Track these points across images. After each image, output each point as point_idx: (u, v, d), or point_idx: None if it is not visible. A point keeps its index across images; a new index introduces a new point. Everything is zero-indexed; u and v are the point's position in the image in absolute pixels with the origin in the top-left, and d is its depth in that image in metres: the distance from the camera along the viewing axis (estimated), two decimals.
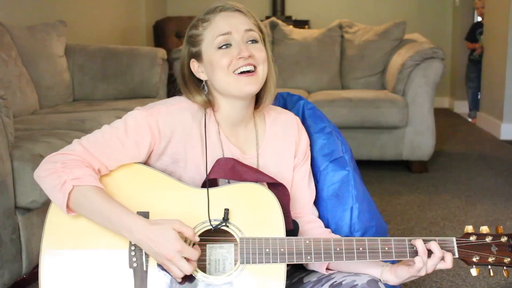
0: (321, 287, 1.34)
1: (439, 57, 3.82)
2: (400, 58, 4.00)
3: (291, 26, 5.03)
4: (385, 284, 1.33)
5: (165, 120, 1.34)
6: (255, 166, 1.40)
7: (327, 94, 4.08)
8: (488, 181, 3.70)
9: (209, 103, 1.38)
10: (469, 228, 1.33)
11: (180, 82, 1.41)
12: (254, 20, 1.36)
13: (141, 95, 3.84)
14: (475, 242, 1.31)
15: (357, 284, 1.28)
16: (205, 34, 1.34)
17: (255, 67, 1.32)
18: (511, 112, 5.07)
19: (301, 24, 6.65)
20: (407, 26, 4.40)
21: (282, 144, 1.45)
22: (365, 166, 3.91)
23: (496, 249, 1.30)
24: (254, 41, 1.34)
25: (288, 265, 1.50)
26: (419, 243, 1.27)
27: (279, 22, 4.80)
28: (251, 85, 1.32)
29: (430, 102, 3.83)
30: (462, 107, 6.75)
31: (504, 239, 1.31)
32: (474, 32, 6.07)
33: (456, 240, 1.30)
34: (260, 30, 1.37)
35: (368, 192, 1.57)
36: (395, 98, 3.85)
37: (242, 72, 1.31)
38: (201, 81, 1.39)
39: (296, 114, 1.63)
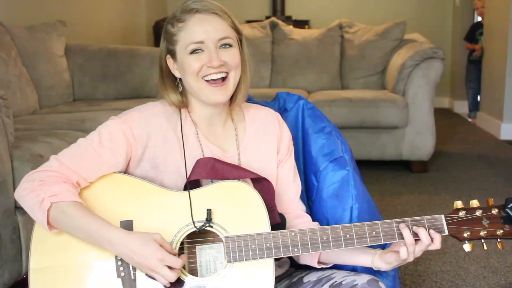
0: (321, 287, 1.34)
1: (439, 57, 3.82)
2: (400, 58, 4.01)
3: (291, 26, 5.03)
4: (385, 283, 1.33)
5: (139, 126, 1.34)
6: (237, 164, 1.39)
7: (327, 94, 4.08)
8: (488, 181, 3.70)
9: (183, 103, 1.38)
10: (458, 204, 1.31)
11: (158, 76, 1.41)
12: (230, 22, 1.34)
13: (141, 95, 3.83)
14: (464, 217, 1.28)
15: (357, 284, 1.28)
16: (180, 36, 1.33)
17: (227, 73, 1.33)
18: (511, 112, 5.07)
19: (301, 24, 6.65)
20: (407, 26, 4.40)
21: (263, 140, 1.44)
22: (365, 166, 3.91)
23: (488, 222, 1.28)
24: (228, 45, 1.33)
25: (286, 263, 1.50)
26: (406, 232, 1.26)
27: (279, 22, 4.80)
28: (220, 96, 1.33)
29: (430, 102, 3.83)
30: (462, 107, 6.75)
31: (495, 211, 1.28)
32: (474, 32, 6.07)
33: (445, 216, 1.29)
34: (237, 31, 1.36)
35: (368, 192, 1.58)
36: (395, 98, 3.85)
37: (212, 80, 1.32)
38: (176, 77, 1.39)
39: (296, 114, 1.63)
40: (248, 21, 6.36)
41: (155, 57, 3.94)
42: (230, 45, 1.33)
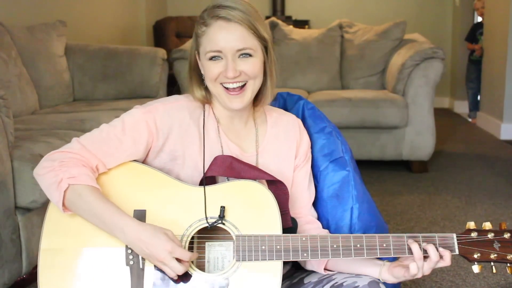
0: None
1: (439, 57, 3.82)
2: (400, 58, 4.00)
3: (291, 26, 5.03)
4: (385, 284, 1.33)
5: (163, 118, 1.35)
6: (254, 165, 1.40)
7: (327, 94, 4.08)
8: (488, 181, 3.70)
9: (206, 99, 1.40)
10: (471, 224, 1.31)
11: (187, 69, 1.42)
12: (253, 31, 1.31)
13: (141, 95, 3.84)
14: (476, 238, 1.28)
15: (358, 286, 1.28)
16: (202, 39, 1.33)
17: (245, 81, 1.33)
18: (511, 112, 5.07)
19: (301, 24, 6.64)
20: (407, 26, 4.40)
21: (283, 144, 1.45)
22: (365, 166, 3.91)
23: (499, 245, 1.28)
24: (248, 55, 1.31)
25: (287, 264, 1.50)
26: (415, 247, 1.26)
27: (279, 22, 4.80)
28: (237, 103, 1.33)
29: (430, 102, 3.83)
30: (462, 107, 6.75)
31: (507, 235, 1.28)
32: (474, 33, 6.07)
33: (457, 236, 1.29)
34: (262, 38, 1.33)
35: (368, 192, 1.57)
36: (395, 98, 3.85)
37: (230, 88, 1.32)
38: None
39: (296, 114, 1.63)
40: None
41: (155, 57, 3.95)
42: (250, 55, 1.31)
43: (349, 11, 6.89)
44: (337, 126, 1.64)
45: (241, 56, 1.31)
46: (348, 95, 3.95)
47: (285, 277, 1.46)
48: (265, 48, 1.35)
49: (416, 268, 1.25)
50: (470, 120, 6.26)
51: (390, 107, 3.78)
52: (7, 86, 2.95)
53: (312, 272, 1.43)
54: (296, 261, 1.51)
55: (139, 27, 6.12)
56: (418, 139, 3.84)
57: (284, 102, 1.68)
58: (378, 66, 4.40)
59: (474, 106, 6.17)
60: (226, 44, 1.29)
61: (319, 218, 1.53)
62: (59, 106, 3.47)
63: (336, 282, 1.32)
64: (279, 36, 4.70)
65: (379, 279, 1.32)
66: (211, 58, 1.31)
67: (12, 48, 3.16)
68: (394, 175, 3.89)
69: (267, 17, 5.93)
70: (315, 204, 1.55)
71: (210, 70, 1.32)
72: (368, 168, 3.94)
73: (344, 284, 1.30)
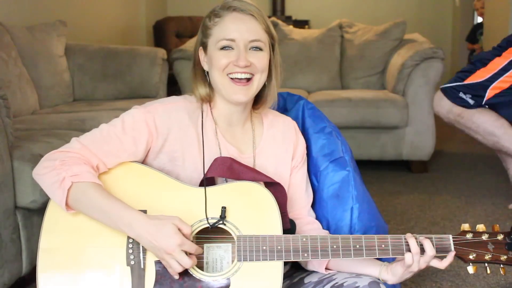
0: None
1: (439, 57, 3.82)
2: (400, 58, 4.00)
3: (291, 26, 5.03)
4: (385, 284, 1.33)
5: (162, 118, 1.35)
6: (251, 166, 1.40)
7: (327, 94, 4.08)
8: (488, 181, 3.70)
9: (209, 97, 1.40)
10: (466, 226, 1.34)
11: (191, 67, 1.43)
12: (265, 26, 1.36)
13: (141, 95, 3.84)
14: (471, 239, 1.32)
15: (358, 286, 1.28)
16: (214, 30, 1.35)
17: (252, 74, 1.34)
18: None
19: (301, 24, 6.65)
20: (407, 26, 4.40)
21: (280, 146, 1.46)
22: (365, 166, 3.91)
23: (493, 247, 1.32)
24: (258, 48, 1.34)
25: (287, 264, 1.50)
26: (412, 242, 1.28)
27: (279, 22, 4.80)
28: (241, 95, 1.34)
29: (430, 102, 3.83)
30: None
31: (500, 237, 1.32)
32: (475, 33, 6.07)
33: (453, 237, 1.31)
34: (271, 35, 1.38)
35: (368, 192, 1.58)
36: (395, 98, 3.85)
37: (237, 78, 1.33)
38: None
39: (296, 114, 1.63)
40: None
41: (155, 57, 3.96)
42: (260, 49, 1.35)
43: (349, 11, 6.89)
44: (337, 126, 1.64)
45: (251, 49, 1.34)
46: (348, 95, 3.95)
47: (285, 277, 1.46)
48: (272, 47, 1.39)
49: (411, 259, 1.27)
50: None
51: (390, 107, 3.78)
52: (7, 86, 2.95)
53: (313, 272, 1.43)
54: (296, 261, 1.52)
55: (139, 27, 6.12)
56: (418, 139, 3.84)
57: (284, 102, 1.68)
58: (378, 66, 4.39)
59: None
60: (240, 34, 1.32)
61: (319, 218, 1.53)
62: (59, 106, 3.47)
63: (337, 283, 1.33)
64: (279, 36, 4.63)
65: (379, 279, 1.32)
66: (223, 48, 1.33)
67: (12, 48, 3.16)
68: (394, 175, 3.89)
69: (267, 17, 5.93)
70: (315, 204, 1.55)
71: (220, 59, 1.33)
72: (368, 168, 3.94)
73: (345, 284, 1.31)
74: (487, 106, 2.84)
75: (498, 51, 2.83)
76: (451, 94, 2.88)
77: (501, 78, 2.78)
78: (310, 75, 4.55)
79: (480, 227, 1.34)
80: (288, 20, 6.44)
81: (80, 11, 4.78)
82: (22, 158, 2.01)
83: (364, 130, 3.88)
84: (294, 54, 4.58)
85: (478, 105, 2.83)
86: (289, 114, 1.66)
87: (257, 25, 1.35)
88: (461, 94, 2.83)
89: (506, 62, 2.75)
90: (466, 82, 2.83)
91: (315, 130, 1.59)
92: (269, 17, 5.68)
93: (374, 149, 3.90)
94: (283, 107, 1.68)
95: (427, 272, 2.33)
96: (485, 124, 2.84)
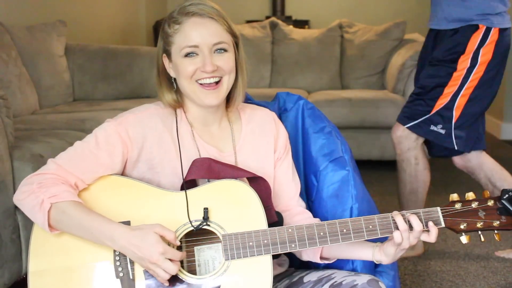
0: (321, 287, 1.34)
1: None
2: (400, 58, 4.00)
3: (291, 26, 5.03)
4: (383, 281, 1.33)
5: (135, 128, 1.35)
6: (233, 163, 1.40)
7: (327, 94, 4.08)
8: None
9: (178, 103, 1.39)
10: (454, 196, 1.32)
11: (155, 74, 1.42)
12: (226, 26, 1.34)
13: (141, 95, 3.83)
14: (460, 209, 1.30)
15: (357, 284, 1.29)
16: (175, 38, 1.33)
17: (221, 77, 1.33)
18: (511, 112, 5.07)
19: (301, 24, 6.64)
20: (407, 26, 4.40)
21: (260, 140, 1.45)
22: (365, 166, 3.90)
23: (484, 213, 1.29)
24: (223, 50, 1.33)
25: (286, 263, 1.50)
26: (399, 219, 1.27)
27: (279, 22, 4.80)
28: (213, 99, 1.34)
29: None
30: None
31: (491, 202, 1.29)
32: None
33: (441, 209, 1.30)
34: (233, 34, 1.36)
35: (368, 192, 1.58)
36: (395, 98, 3.85)
37: (206, 83, 1.32)
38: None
39: (296, 114, 1.63)
40: (248, 21, 6.36)
41: (155, 57, 3.94)
42: (225, 50, 1.33)
43: (349, 11, 6.89)
44: (336, 126, 1.64)
45: (216, 52, 1.32)
46: (348, 95, 3.95)
47: (284, 276, 1.47)
48: (236, 45, 1.37)
49: (400, 237, 1.26)
50: None
51: (390, 107, 3.78)
52: (7, 86, 2.95)
53: (312, 271, 1.43)
54: (294, 261, 1.52)
55: (139, 27, 6.12)
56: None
57: (284, 102, 1.68)
58: (378, 66, 4.40)
59: None
60: (203, 39, 1.31)
61: (319, 218, 1.53)
62: (59, 106, 3.47)
63: (336, 281, 1.33)
64: (279, 36, 4.70)
65: (378, 279, 1.32)
66: (187, 55, 1.32)
67: (12, 48, 3.17)
68: (394, 175, 3.88)
69: (267, 17, 5.93)
70: (315, 204, 1.55)
71: (186, 67, 1.32)
72: (368, 168, 3.93)
73: (343, 282, 1.31)
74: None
75: (450, 67, 2.44)
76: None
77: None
78: (310, 75, 4.55)
79: (470, 195, 1.31)
80: (288, 20, 6.44)
81: (80, 11, 4.78)
82: (22, 158, 2.01)
83: (364, 130, 3.88)
84: (294, 54, 4.59)
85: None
86: (288, 114, 1.66)
87: (219, 27, 1.32)
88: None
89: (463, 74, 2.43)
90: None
91: (314, 130, 1.59)
92: (269, 17, 5.69)
93: (374, 149, 3.90)
94: (283, 107, 1.68)
95: (427, 272, 2.33)
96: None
